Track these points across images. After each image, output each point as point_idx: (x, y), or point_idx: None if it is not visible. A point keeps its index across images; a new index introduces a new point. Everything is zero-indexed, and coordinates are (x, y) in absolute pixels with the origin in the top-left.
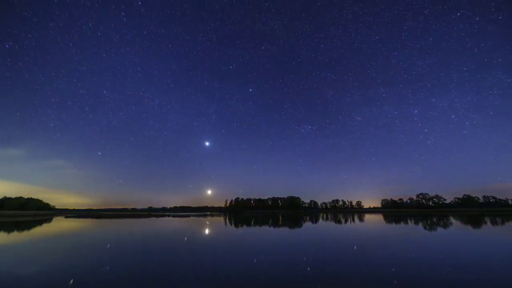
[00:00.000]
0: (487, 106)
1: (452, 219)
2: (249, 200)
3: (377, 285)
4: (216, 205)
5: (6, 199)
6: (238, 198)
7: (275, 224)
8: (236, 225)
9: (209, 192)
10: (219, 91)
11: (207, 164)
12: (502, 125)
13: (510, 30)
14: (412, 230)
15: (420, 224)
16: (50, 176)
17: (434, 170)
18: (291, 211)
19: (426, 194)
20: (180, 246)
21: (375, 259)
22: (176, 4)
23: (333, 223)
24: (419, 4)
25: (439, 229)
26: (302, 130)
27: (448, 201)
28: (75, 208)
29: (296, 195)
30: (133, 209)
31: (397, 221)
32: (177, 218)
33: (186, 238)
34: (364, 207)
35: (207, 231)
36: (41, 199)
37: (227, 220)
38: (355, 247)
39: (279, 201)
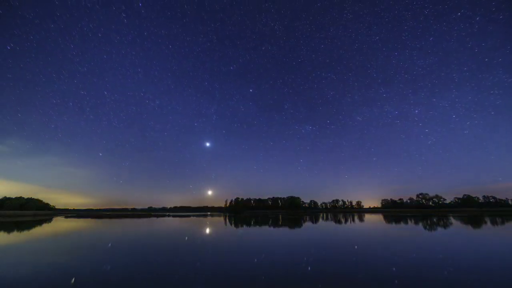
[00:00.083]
0: (488, 105)
1: (452, 219)
2: (249, 200)
3: (377, 285)
4: (216, 205)
5: (6, 199)
6: (238, 198)
7: (275, 224)
8: (236, 225)
9: (209, 192)
10: (219, 92)
11: (208, 164)
12: (503, 125)
13: (510, 30)
14: (412, 230)
15: (420, 224)
16: (50, 176)
17: (434, 170)
18: (291, 211)
19: (426, 194)
20: (180, 246)
21: (375, 259)
22: (177, 5)
23: (333, 223)
24: (419, 4)
25: (439, 229)
26: (303, 130)
27: (448, 201)
28: (75, 208)
29: (296, 195)
30: (133, 209)
31: (397, 221)
32: (177, 218)
33: (186, 238)
34: (364, 207)
35: (207, 231)
36: (41, 199)
37: (227, 220)
38: (355, 247)
39: (279, 201)
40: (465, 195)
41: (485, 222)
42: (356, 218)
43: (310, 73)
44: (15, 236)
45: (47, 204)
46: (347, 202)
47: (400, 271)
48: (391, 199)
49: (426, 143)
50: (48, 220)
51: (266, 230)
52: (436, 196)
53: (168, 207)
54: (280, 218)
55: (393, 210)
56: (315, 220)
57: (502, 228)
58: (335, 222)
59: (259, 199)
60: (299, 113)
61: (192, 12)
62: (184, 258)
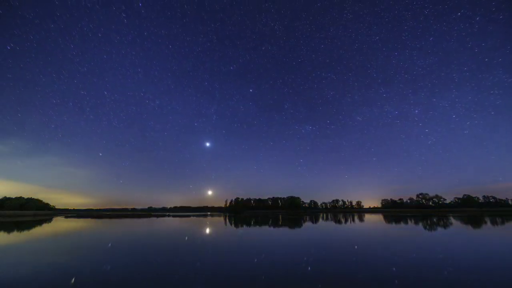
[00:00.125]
0: (488, 105)
1: (452, 219)
2: (249, 200)
3: (377, 285)
4: (216, 205)
5: (6, 199)
6: (238, 198)
7: (275, 224)
8: (236, 225)
9: (209, 192)
10: (219, 92)
11: (208, 164)
12: (503, 125)
13: (510, 30)
14: (412, 230)
15: (420, 224)
16: (50, 176)
17: (434, 170)
18: (291, 211)
19: (426, 194)
20: (180, 246)
21: (375, 259)
22: (177, 5)
23: (333, 223)
24: (419, 4)
25: (439, 229)
26: (303, 131)
27: (448, 201)
28: (75, 208)
29: (296, 195)
30: (133, 209)
31: (397, 221)
32: (177, 218)
33: (186, 238)
34: (364, 207)
35: (207, 231)
36: (41, 199)
37: (227, 220)
38: (355, 247)
39: (279, 201)
40: (465, 195)
41: (485, 222)
42: (356, 218)
43: (310, 73)
44: (15, 236)
45: (47, 204)
46: (347, 202)
47: (400, 271)
48: (391, 199)
49: (426, 143)
50: (48, 220)
51: (266, 230)
52: (436, 196)
53: (168, 207)
54: (280, 218)
55: (393, 210)
56: (315, 220)
57: (502, 228)
58: (335, 222)
59: (259, 199)
60: (299, 113)
61: (192, 12)
62: (184, 258)
